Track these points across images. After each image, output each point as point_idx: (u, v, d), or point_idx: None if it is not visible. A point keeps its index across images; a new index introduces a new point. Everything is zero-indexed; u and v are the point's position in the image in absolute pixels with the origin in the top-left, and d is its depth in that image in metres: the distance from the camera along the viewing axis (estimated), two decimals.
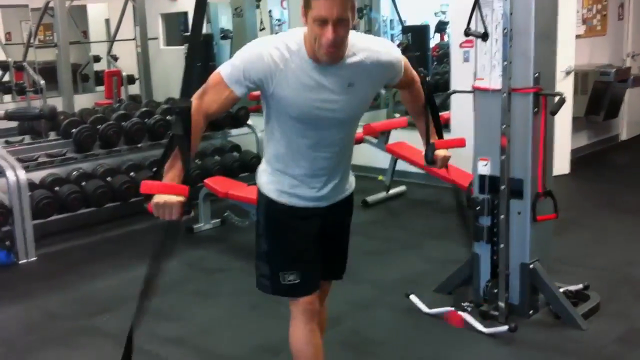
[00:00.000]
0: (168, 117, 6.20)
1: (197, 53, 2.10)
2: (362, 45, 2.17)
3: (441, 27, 10.01)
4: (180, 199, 2.00)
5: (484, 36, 3.37)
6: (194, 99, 2.09)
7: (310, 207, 2.33)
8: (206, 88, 2.15)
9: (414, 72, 2.43)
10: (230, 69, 2.13)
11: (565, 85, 6.24)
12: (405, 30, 4.86)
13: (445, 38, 9.77)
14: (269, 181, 2.35)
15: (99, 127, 5.79)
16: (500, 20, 3.34)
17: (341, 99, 2.17)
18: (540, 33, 3.39)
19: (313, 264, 2.38)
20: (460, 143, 2.59)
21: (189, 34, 2.14)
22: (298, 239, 2.35)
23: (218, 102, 2.14)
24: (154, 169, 2.13)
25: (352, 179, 2.48)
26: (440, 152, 2.47)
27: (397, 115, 7.57)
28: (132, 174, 5.81)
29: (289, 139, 2.24)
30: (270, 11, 9.36)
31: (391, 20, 9.50)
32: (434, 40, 10.05)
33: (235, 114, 6.56)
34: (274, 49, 2.10)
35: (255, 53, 2.11)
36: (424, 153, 2.51)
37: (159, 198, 2.00)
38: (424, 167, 2.64)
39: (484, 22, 3.37)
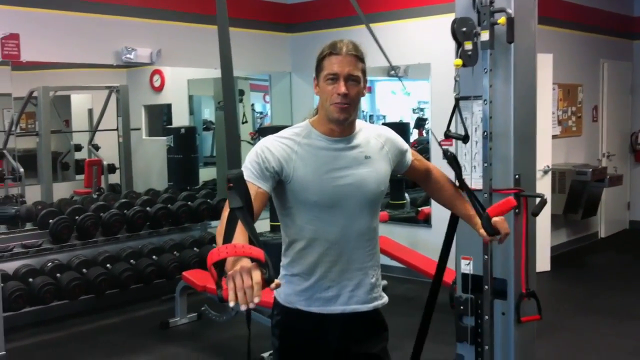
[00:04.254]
0: (148, 209, 6.16)
1: (235, 122, 1.87)
2: (369, 126, 2.32)
3: (420, 123, 10.21)
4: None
5: (465, 138, 3.42)
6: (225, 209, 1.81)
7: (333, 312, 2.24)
8: None
9: (426, 161, 2.53)
10: (250, 169, 2.05)
11: (543, 184, 6.33)
12: (386, 126, 4.93)
13: (424, 134, 9.95)
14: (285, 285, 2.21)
15: (76, 217, 5.72)
16: (480, 123, 3.40)
17: (359, 172, 2.17)
18: (520, 135, 3.44)
19: None
20: (510, 204, 2.52)
21: (223, 104, 1.81)
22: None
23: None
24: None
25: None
26: (498, 219, 2.38)
27: None
28: (108, 265, 5.70)
29: (311, 230, 2.15)
30: (252, 105, 9.51)
31: (370, 116, 9.69)
32: (413, 136, 10.24)
33: (215, 206, 6.55)
34: (282, 138, 2.14)
35: (266, 146, 2.11)
36: (480, 227, 2.41)
37: (232, 267, 1.60)
38: (486, 241, 2.53)
39: (464, 125, 3.42)
